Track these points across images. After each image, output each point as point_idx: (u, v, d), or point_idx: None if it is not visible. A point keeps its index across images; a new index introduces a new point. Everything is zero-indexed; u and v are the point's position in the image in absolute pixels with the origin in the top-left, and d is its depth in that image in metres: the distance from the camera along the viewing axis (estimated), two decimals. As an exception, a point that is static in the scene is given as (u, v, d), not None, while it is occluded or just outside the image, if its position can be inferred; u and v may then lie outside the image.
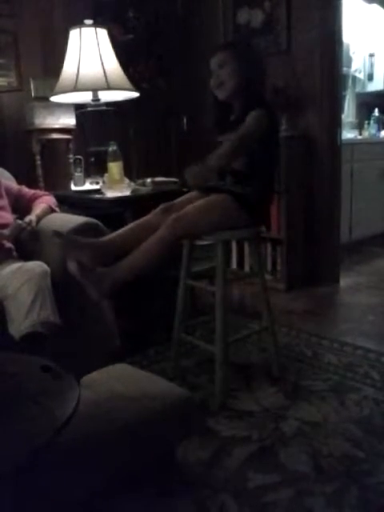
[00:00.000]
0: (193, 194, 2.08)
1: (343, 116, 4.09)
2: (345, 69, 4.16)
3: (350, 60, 4.79)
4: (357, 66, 4.93)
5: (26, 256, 2.07)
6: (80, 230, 2.00)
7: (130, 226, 2.00)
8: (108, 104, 2.65)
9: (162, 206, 2.00)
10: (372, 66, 4.97)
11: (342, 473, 1.53)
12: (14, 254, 2.09)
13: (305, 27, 3.22)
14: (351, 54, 4.81)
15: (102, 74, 2.44)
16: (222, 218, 1.91)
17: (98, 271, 1.80)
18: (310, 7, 3.18)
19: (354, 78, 4.98)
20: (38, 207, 2.19)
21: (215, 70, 1.98)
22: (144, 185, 2.55)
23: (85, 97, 2.60)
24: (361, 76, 4.99)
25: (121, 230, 1.98)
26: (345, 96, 4.70)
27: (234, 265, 3.68)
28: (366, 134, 4.81)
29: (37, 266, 1.86)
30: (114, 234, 1.97)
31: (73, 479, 1.32)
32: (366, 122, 4.89)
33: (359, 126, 4.94)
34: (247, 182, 1.96)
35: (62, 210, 2.34)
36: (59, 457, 1.26)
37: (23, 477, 1.16)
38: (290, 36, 3.31)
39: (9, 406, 1.13)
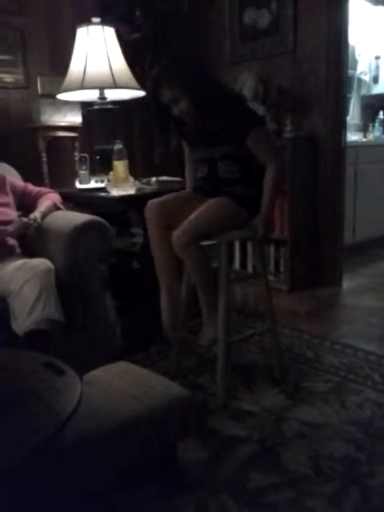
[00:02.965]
0: (183, 192, 2.12)
1: (348, 118, 4.09)
2: (350, 71, 4.15)
3: (355, 62, 4.79)
4: (362, 68, 4.93)
5: (30, 253, 2.08)
6: (84, 228, 2.01)
7: (165, 281, 2.01)
8: (114, 102, 2.65)
9: (151, 211, 2.00)
10: (377, 68, 4.97)
11: (342, 474, 1.54)
12: (18, 250, 2.10)
13: (311, 28, 3.22)
14: (357, 56, 4.81)
15: (109, 72, 2.44)
16: (226, 219, 1.93)
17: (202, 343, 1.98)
18: (317, 8, 3.17)
19: (360, 81, 4.98)
20: (43, 204, 2.20)
21: (170, 105, 1.94)
22: (149, 184, 2.55)
23: (91, 95, 2.60)
24: (366, 78, 4.98)
25: (165, 296, 2.01)
26: (350, 98, 4.70)
27: (237, 265, 3.68)
28: (370, 136, 4.81)
29: (41, 263, 1.87)
30: (166, 306, 2.01)
31: (73, 477, 1.33)
32: (371, 124, 4.88)
33: (364, 129, 4.93)
34: (242, 185, 1.99)
35: (67, 208, 2.35)
36: (60, 454, 1.26)
37: (24, 474, 1.16)
38: (296, 37, 3.30)
39: (11, 402, 1.14)
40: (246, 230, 2.02)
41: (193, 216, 1.89)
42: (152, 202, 2.02)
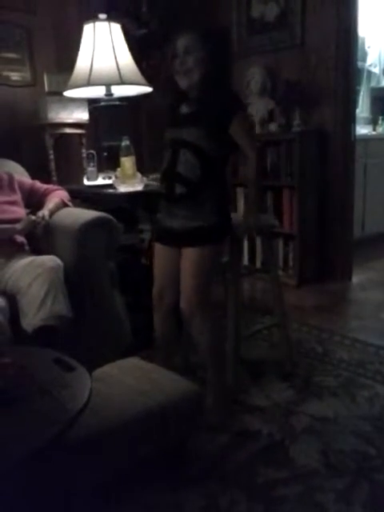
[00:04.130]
0: (160, 259, 1.93)
1: (357, 111, 4.04)
2: (359, 63, 4.11)
3: (365, 54, 4.74)
4: (372, 60, 4.88)
5: (38, 250, 2.09)
6: (92, 224, 2.01)
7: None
8: (121, 99, 2.65)
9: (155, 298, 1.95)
10: (387, 60, 4.92)
11: (352, 469, 1.53)
12: (27, 248, 2.11)
13: (319, 21, 3.20)
14: (366, 48, 4.76)
15: (116, 68, 2.43)
16: (215, 264, 1.83)
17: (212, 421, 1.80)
18: (325, 1, 3.15)
19: (369, 73, 4.92)
20: (51, 202, 2.21)
21: (180, 54, 1.78)
22: (156, 180, 2.55)
23: (98, 91, 2.60)
24: (376, 70, 4.93)
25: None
26: (359, 91, 4.65)
27: (246, 260, 3.67)
28: (380, 129, 4.76)
29: (49, 260, 1.88)
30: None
31: (83, 471, 1.34)
32: (381, 117, 4.83)
33: (373, 122, 4.88)
34: (201, 197, 1.76)
35: (75, 205, 2.36)
36: (70, 449, 1.27)
37: (35, 468, 1.17)
38: (305, 30, 3.28)
39: (22, 398, 1.15)
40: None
41: (186, 282, 1.77)
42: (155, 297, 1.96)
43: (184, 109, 1.85)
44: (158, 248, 1.92)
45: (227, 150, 1.84)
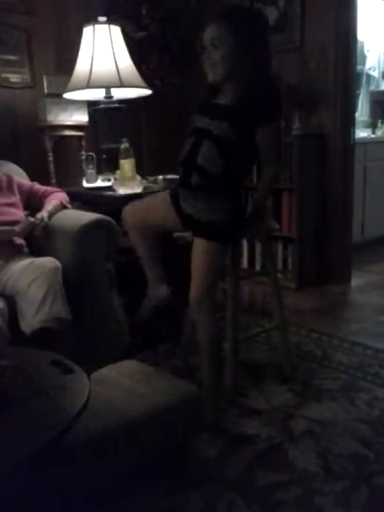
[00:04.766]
0: (158, 198, 1.98)
1: (356, 114, 4.05)
2: (359, 67, 4.12)
3: (364, 58, 4.75)
4: (371, 63, 4.89)
5: (37, 252, 2.08)
6: (91, 227, 2.01)
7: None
8: (121, 101, 2.65)
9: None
10: (387, 64, 4.93)
11: (351, 472, 1.53)
12: (26, 250, 2.10)
13: (319, 24, 3.20)
14: (366, 51, 4.77)
15: (115, 71, 2.44)
16: (220, 264, 1.83)
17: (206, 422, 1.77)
18: (325, 4, 3.15)
19: (368, 76, 4.93)
20: (50, 204, 2.20)
21: (208, 46, 1.68)
22: (155, 182, 2.55)
23: (97, 94, 2.61)
24: (375, 74, 4.94)
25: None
26: (358, 94, 4.66)
27: (245, 263, 3.67)
28: (379, 132, 4.76)
29: (48, 261, 1.88)
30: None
31: (81, 475, 1.33)
32: (380, 120, 4.84)
33: (373, 125, 4.89)
34: (215, 192, 1.74)
35: (74, 207, 2.35)
36: (69, 452, 1.27)
37: (34, 471, 1.17)
38: (304, 33, 3.28)
39: (20, 400, 1.15)
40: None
41: (196, 272, 1.78)
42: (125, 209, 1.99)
43: (221, 99, 1.74)
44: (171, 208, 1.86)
45: (254, 155, 1.78)
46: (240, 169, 1.78)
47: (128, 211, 1.98)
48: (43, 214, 2.11)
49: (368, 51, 4.81)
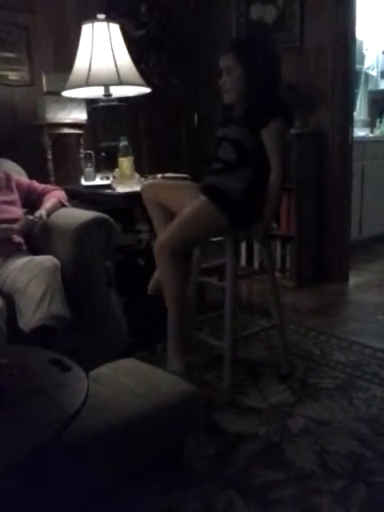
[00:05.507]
0: (184, 183, 2.26)
1: (355, 113, 4.06)
2: (357, 66, 4.12)
3: (362, 57, 4.75)
4: (370, 63, 4.90)
5: (36, 250, 2.08)
6: (90, 225, 2.01)
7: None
8: (119, 99, 2.65)
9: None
10: (385, 63, 4.93)
11: (349, 471, 1.53)
12: (24, 248, 2.10)
13: (318, 23, 3.20)
14: (364, 50, 4.78)
15: (114, 69, 2.44)
16: (203, 230, 1.97)
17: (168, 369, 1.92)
18: (324, 3, 3.15)
19: (367, 75, 4.94)
20: (49, 202, 2.20)
21: (223, 73, 1.97)
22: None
23: (96, 92, 2.60)
24: (374, 73, 4.95)
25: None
26: (357, 93, 4.66)
27: (244, 261, 3.67)
28: (377, 132, 4.77)
29: (47, 260, 1.87)
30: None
31: (79, 473, 1.33)
32: (378, 119, 4.85)
33: (371, 124, 4.90)
34: (236, 172, 1.95)
35: (73, 205, 2.35)
36: (66, 450, 1.27)
37: (31, 469, 1.17)
38: (303, 32, 3.28)
39: (18, 398, 1.14)
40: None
41: (173, 224, 1.94)
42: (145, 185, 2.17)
43: (236, 112, 2.03)
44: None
45: (262, 150, 1.94)
46: (249, 160, 1.95)
47: (148, 185, 2.18)
48: (42, 212, 2.11)
49: (367, 50, 4.81)
